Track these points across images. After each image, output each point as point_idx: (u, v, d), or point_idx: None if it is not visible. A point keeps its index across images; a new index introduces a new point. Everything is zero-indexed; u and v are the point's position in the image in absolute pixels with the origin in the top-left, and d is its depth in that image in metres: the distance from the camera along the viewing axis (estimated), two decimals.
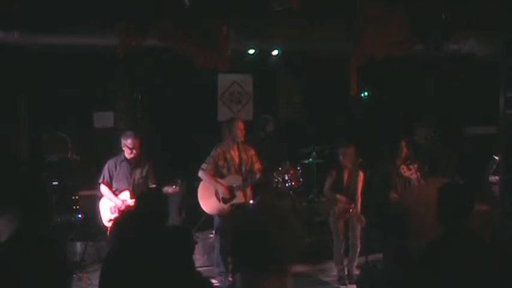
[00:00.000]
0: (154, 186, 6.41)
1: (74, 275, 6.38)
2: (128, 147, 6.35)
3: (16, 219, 6.36)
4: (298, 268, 7.47)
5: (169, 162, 8.15)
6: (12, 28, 6.01)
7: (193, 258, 3.96)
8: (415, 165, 6.60)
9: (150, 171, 6.51)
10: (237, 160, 6.55)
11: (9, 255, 3.33)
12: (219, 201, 6.49)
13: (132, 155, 6.38)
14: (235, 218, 5.31)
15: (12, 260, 3.31)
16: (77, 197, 7.50)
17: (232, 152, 6.57)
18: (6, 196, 6.67)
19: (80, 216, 7.42)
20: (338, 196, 6.72)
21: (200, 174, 6.59)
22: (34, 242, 3.39)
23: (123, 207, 6.32)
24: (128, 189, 6.40)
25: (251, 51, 7.87)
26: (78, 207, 7.47)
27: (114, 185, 6.45)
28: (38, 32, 6.12)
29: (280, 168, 8.03)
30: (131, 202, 6.29)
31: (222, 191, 6.44)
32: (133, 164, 6.45)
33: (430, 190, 4.02)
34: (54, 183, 7.68)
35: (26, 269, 3.28)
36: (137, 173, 6.47)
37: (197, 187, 6.72)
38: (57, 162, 8.07)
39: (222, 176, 6.52)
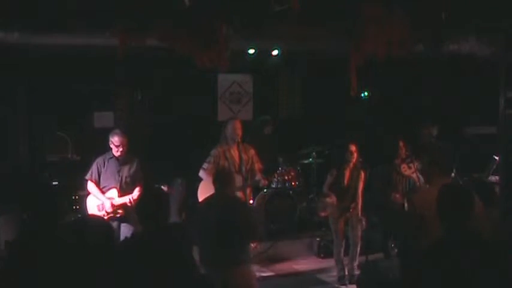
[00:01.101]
0: (139, 185, 6.42)
1: None
2: (114, 145, 6.36)
3: (15, 220, 6.37)
4: (298, 268, 7.49)
5: (169, 162, 8.15)
6: (12, 28, 6.01)
7: (194, 256, 3.97)
8: (415, 164, 6.61)
9: (138, 170, 6.50)
10: (237, 160, 6.55)
11: (23, 255, 3.33)
12: None
13: (118, 153, 6.38)
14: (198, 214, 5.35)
15: (26, 259, 3.30)
16: (77, 197, 7.50)
17: (233, 152, 6.58)
18: (6, 196, 6.69)
19: (80, 216, 7.41)
20: (328, 199, 6.72)
21: (201, 173, 6.59)
22: (47, 242, 3.39)
23: (109, 205, 6.33)
24: (116, 187, 6.40)
25: (251, 51, 7.87)
26: (78, 207, 7.46)
27: (102, 182, 6.43)
28: (38, 32, 6.12)
29: (280, 169, 8.05)
30: (118, 200, 6.34)
31: None
32: (121, 161, 6.45)
33: (435, 191, 4.02)
34: (54, 183, 7.67)
35: (40, 269, 3.28)
36: (125, 171, 6.44)
37: (197, 187, 6.73)
38: (57, 162, 8.07)
39: None
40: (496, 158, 7.25)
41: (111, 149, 6.42)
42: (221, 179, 5.05)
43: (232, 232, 4.76)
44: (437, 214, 3.45)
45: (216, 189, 5.07)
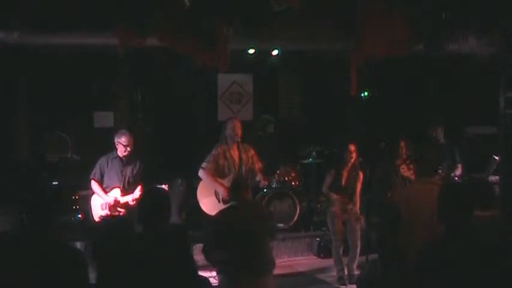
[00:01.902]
0: (141, 185, 6.48)
1: None
2: (122, 144, 6.42)
3: (13, 221, 6.36)
4: (298, 268, 7.48)
5: (169, 162, 8.15)
6: (12, 28, 6.01)
7: (194, 257, 3.97)
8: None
9: (140, 170, 6.57)
10: (237, 160, 6.54)
11: (16, 255, 3.32)
12: (219, 201, 6.46)
13: (126, 153, 6.44)
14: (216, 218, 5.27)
15: (19, 259, 3.30)
16: (77, 197, 7.51)
17: (232, 152, 6.57)
18: (5, 197, 6.69)
19: (80, 216, 7.43)
20: (334, 196, 6.73)
21: (200, 173, 6.59)
22: (42, 242, 3.38)
23: (113, 204, 6.39)
24: (119, 187, 6.46)
25: (251, 51, 7.87)
26: (78, 207, 7.47)
27: (105, 181, 6.50)
28: (38, 32, 6.12)
29: (280, 169, 8.05)
30: (122, 199, 6.40)
31: (222, 192, 6.41)
32: (125, 161, 6.51)
33: (425, 189, 4.02)
34: (54, 183, 7.68)
35: (36, 269, 3.27)
36: (128, 171, 6.52)
37: (197, 187, 6.73)
38: (57, 162, 8.08)
39: (224, 176, 6.50)
40: (496, 158, 7.24)
41: (116, 149, 6.48)
42: (237, 186, 4.95)
43: (257, 239, 4.69)
44: (422, 212, 3.45)
45: (233, 197, 4.96)
